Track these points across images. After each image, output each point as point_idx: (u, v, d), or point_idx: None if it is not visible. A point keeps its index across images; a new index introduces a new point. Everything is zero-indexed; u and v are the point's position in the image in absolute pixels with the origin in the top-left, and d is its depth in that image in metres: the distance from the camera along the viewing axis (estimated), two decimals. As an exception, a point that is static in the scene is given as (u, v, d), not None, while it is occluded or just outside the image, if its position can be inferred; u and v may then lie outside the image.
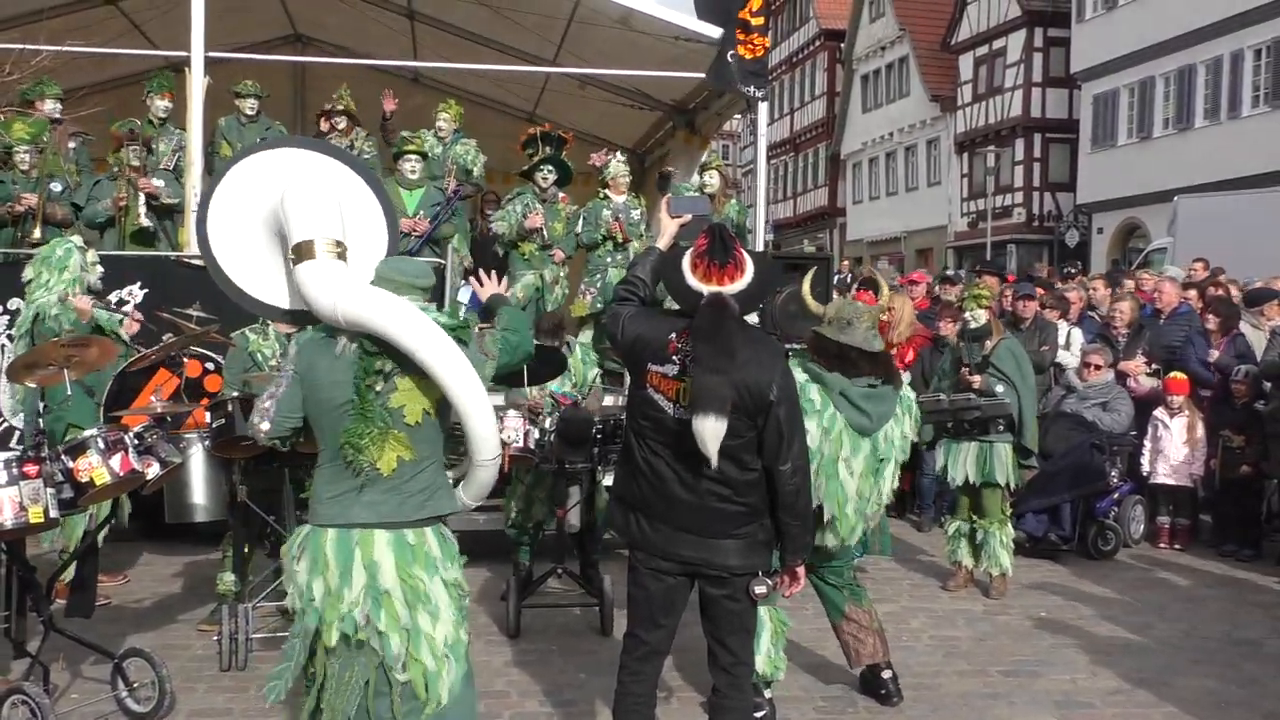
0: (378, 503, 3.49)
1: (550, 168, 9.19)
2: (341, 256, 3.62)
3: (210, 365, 6.04)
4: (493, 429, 3.68)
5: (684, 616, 4.01)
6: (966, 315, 7.32)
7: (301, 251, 3.59)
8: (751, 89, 8.25)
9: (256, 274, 3.94)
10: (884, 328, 8.85)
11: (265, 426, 3.61)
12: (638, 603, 3.94)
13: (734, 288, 3.76)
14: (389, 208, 4.07)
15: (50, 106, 8.90)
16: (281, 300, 3.95)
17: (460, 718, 3.59)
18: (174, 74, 9.79)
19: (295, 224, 3.65)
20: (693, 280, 3.80)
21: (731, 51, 8.25)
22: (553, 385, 6.66)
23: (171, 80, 9.44)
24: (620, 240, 9.21)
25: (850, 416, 4.79)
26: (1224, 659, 6.04)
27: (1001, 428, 7.03)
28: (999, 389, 7.00)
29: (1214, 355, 8.56)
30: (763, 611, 4.90)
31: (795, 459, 3.76)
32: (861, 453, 4.84)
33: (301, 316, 3.90)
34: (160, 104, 9.37)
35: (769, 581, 3.85)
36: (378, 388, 3.49)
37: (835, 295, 5.83)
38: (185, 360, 6.49)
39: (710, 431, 3.55)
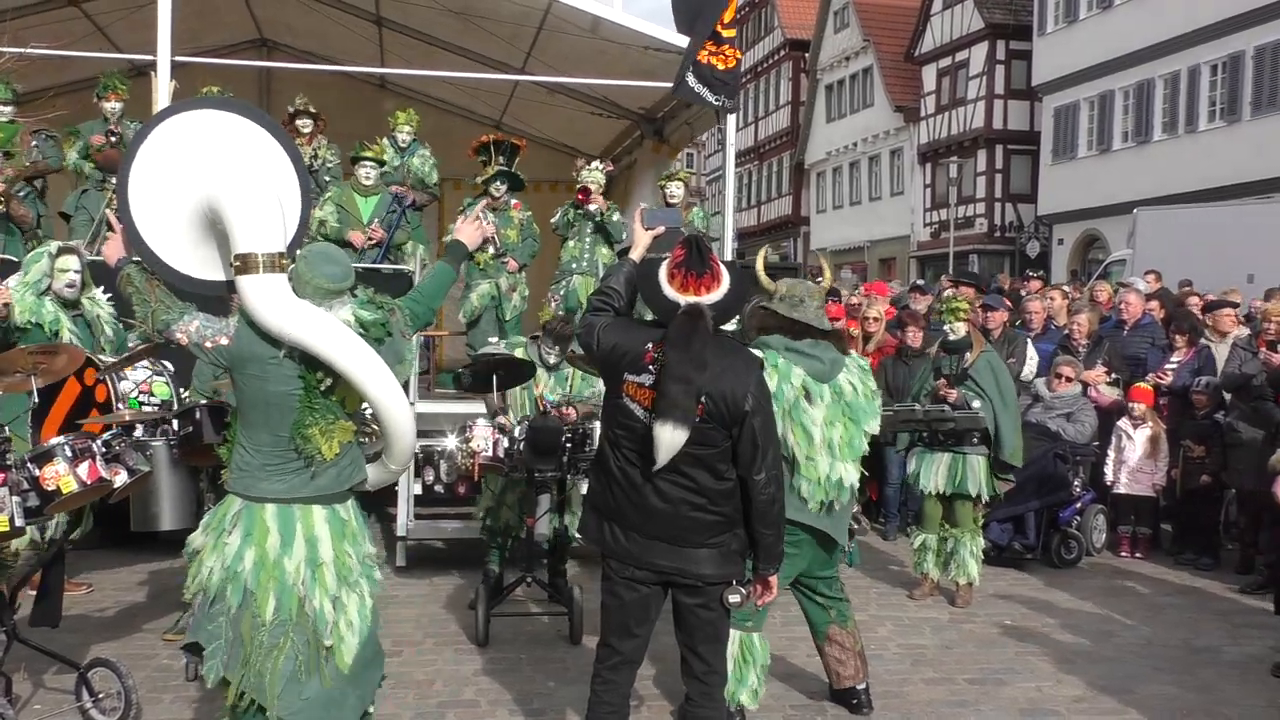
0: (308, 480, 3.76)
1: (501, 180, 9.27)
2: (281, 268, 3.71)
3: (102, 377, 5.91)
4: (410, 445, 4.02)
5: (656, 625, 4.02)
6: (946, 328, 7.30)
7: (244, 264, 3.68)
8: (722, 99, 8.25)
9: (185, 250, 3.98)
10: (856, 339, 8.95)
11: (196, 332, 3.71)
12: (611, 612, 3.95)
13: (710, 298, 3.79)
14: (301, 167, 4.16)
15: None
16: (201, 272, 4.05)
17: (370, 679, 3.94)
18: (127, 76, 9.67)
19: (239, 233, 3.71)
20: (670, 291, 3.82)
21: (695, 62, 8.25)
22: (546, 394, 6.68)
23: (117, 81, 9.16)
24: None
25: (804, 364, 4.83)
26: (1184, 666, 6.13)
27: (976, 440, 7.07)
28: (975, 404, 7.03)
29: (1167, 379, 8.66)
30: (756, 640, 4.91)
31: (769, 468, 3.78)
32: (824, 400, 4.85)
33: (218, 287, 4.09)
34: (108, 105, 9.06)
35: (743, 590, 3.87)
36: (321, 388, 3.74)
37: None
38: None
39: (668, 440, 3.59)
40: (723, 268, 3.87)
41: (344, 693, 3.82)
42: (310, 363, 3.70)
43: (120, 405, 5.64)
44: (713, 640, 3.95)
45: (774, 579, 3.99)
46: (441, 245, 10.76)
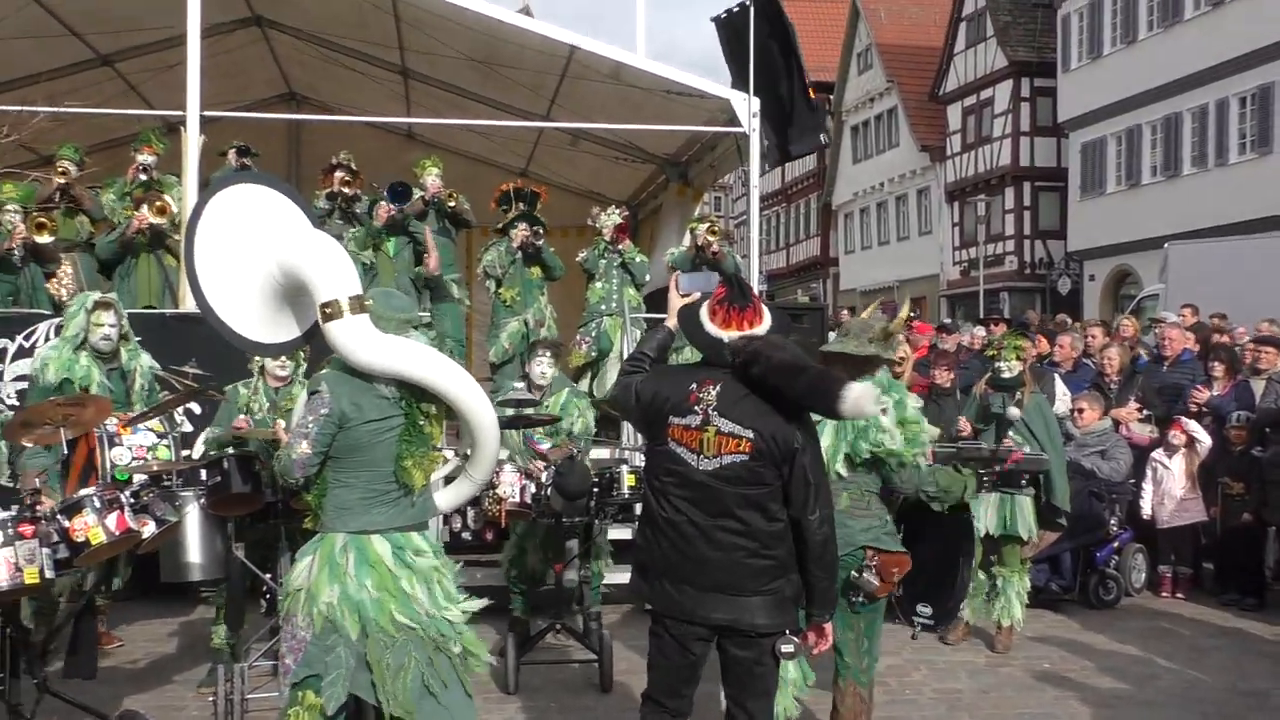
0: (407, 509, 4.00)
1: (523, 224, 9.27)
2: (363, 309, 3.93)
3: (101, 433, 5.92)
4: (494, 456, 4.32)
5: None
6: (1000, 365, 7.21)
7: (330, 311, 3.89)
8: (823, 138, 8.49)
9: (245, 312, 4.17)
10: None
11: (305, 449, 3.85)
12: (660, 670, 3.86)
13: (755, 332, 3.77)
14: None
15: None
16: (270, 335, 4.26)
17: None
18: (166, 131, 9.79)
19: (319, 284, 3.92)
20: (712, 327, 3.80)
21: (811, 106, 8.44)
22: (537, 438, 6.67)
23: (155, 136, 9.23)
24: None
25: None
26: (1230, 711, 5.98)
27: (1024, 482, 6.97)
28: (1026, 449, 6.94)
29: (1204, 395, 8.52)
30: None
31: (823, 507, 3.70)
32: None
33: (291, 345, 4.34)
34: (141, 158, 9.03)
35: (795, 640, 3.76)
36: (422, 419, 3.98)
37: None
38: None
39: (859, 389, 3.54)
40: (763, 304, 3.88)
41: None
42: (413, 395, 3.94)
43: (108, 471, 5.55)
44: (762, 695, 3.82)
45: (829, 626, 3.89)
46: (473, 279, 10.81)
